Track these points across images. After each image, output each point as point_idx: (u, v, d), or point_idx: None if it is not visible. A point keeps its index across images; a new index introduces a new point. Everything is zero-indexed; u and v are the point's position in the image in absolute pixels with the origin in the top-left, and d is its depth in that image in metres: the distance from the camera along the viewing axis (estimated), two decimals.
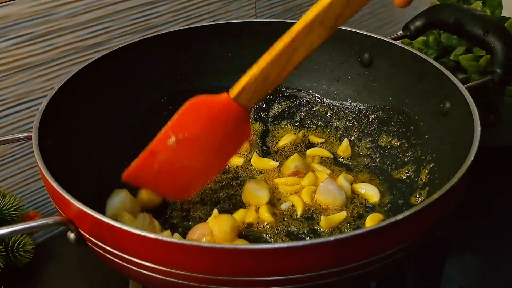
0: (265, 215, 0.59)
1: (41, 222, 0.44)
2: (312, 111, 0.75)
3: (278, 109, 0.76)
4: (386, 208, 0.62)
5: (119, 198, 0.58)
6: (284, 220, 0.60)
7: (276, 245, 0.39)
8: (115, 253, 0.44)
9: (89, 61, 0.63)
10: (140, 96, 0.69)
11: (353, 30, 0.70)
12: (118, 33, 0.74)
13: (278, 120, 0.76)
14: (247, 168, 0.68)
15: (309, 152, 0.71)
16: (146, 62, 0.69)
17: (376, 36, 0.69)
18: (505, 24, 0.77)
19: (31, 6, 0.65)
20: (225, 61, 0.72)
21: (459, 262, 0.65)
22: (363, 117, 0.72)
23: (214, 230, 0.54)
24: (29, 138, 0.53)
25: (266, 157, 0.70)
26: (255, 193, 0.61)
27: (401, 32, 0.72)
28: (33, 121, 0.54)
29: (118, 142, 0.65)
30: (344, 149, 0.70)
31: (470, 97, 0.56)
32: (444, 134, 0.60)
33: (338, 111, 0.74)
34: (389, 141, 0.69)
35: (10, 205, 0.62)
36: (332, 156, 0.70)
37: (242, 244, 0.55)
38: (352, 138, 0.72)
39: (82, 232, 0.45)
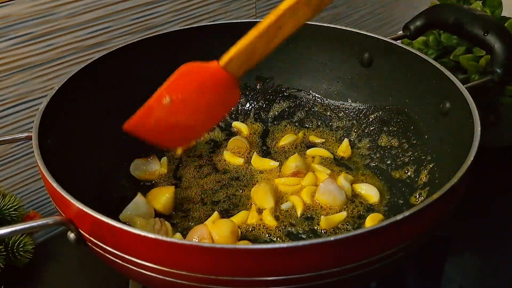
0: (268, 219, 0.59)
1: (41, 222, 0.45)
2: (312, 111, 0.76)
3: (278, 109, 0.77)
4: (386, 208, 0.62)
5: (134, 203, 0.59)
6: (284, 220, 0.60)
7: (276, 245, 0.39)
8: (115, 253, 0.44)
9: (89, 61, 0.63)
10: (140, 96, 0.69)
11: (353, 30, 0.70)
12: (118, 33, 0.74)
13: (278, 120, 0.76)
14: (247, 168, 0.68)
15: (309, 152, 0.71)
16: (146, 62, 0.69)
17: (376, 36, 0.69)
18: (505, 24, 0.77)
19: (31, 6, 0.65)
20: None
21: (459, 262, 0.65)
22: (363, 117, 0.72)
23: (214, 235, 0.54)
24: (29, 138, 0.53)
25: (266, 157, 0.70)
26: (265, 196, 0.61)
27: (401, 32, 0.72)
28: (33, 121, 0.54)
29: (118, 142, 0.65)
30: (344, 149, 0.70)
31: (470, 97, 0.56)
32: (444, 134, 0.60)
33: (338, 111, 0.74)
34: (389, 141, 0.69)
35: (10, 205, 0.62)
36: (332, 156, 0.70)
37: (242, 244, 0.55)
38: (352, 138, 0.72)
39: (82, 232, 0.45)
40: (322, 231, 0.59)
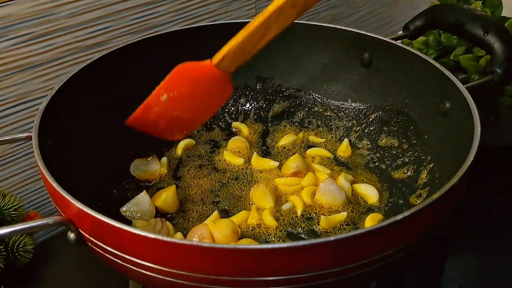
0: (268, 219, 0.59)
1: (41, 222, 0.45)
2: (312, 111, 0.76)
3: (278, 109, 0.77)
4: (386, 208, 0.62)
5: (136, 199, 0.60)
6: (284, 220, 0.60)
7: (276, 245, 0.39)
8: (115, 253, 0.44)
9: (89, 61, 0.63)
10: (140, 96, 0.69)
11: (353, 30, 0.70)
12: (118, 33, 0.74)
13: (278, 120, 0.76)
14: (247, 168, 0.68)
15: (309, 152, 0.71)
16: (146, 62, 0.69)
17: (376, 36, 0.69)
18: (505, 24, 0.77)
19: (31, 6, 0.65)
20: None
21: (459, 262, 0.65)
22: (363, 117, 0.72)
23: (216, 234, 0.54)
24: (29, 138, 0.53)
25: (266, 157, 0.70)
26: (265, 196, 0.61)
27: (401, 32, 0.72)
28: (33, 121, 0.54)
29: (118, 142, 0.65)
30: (344, 149, 0.70)
31: (470, 97, 0.56)
32: (444, 134, 0.60)
33: (338, 111, 0.74)
34: (389, 141, 0.69)
35: (10, 205, 0.62)
36: (332, 156, 0.70)
37: (242, 244, 0.55)
38: (352, 138, 0.72)
39: (82, 232, 0.45)
40: (322, 231, 0.59)
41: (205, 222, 0.58)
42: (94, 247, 0.46)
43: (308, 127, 0.75)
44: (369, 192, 0.63)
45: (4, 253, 0.60)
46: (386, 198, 0.63)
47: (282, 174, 0.67)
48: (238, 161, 0.69)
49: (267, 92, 0.77)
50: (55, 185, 0.46)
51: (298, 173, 0.65)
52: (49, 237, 0.71)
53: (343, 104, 0.74)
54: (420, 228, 0.44)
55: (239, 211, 0.61)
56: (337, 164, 0.69)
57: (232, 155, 0.70)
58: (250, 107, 0.77)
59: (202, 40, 0.72)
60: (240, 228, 0.58)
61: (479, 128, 0.51)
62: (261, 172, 0.67)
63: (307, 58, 0.74)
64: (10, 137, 0.56)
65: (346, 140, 0.71)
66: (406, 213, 0.42)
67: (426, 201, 0.43)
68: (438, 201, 0.43)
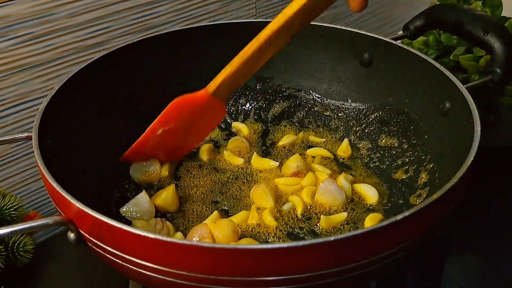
0: (268, 219, 0.59)
1: (41, 222, 0.44)
2: (312, 111, 0.76)
3: (278, 109, 0.77)
4: (386, 208, 0.62)
5: (136, 199, 0.60)
6: (284, 220, 0.60)
7: (276, 245, 0.39)
8: (115, 253, 0.44)
9: (89, 61, 0.63)
10: (140, 96, 0.69)
11: (353, 30, 0.70)
12: (118, 33, 0.74)
13: (278, 120, 0.76)
14: (247, 168, 0.68)
15: (309, 152, 0.71)
16: (146, 62, 0.69)
17: (376, 36, 0.69)
18: (505, 24, 0.77)
19: (31, 6, 0.65)
20: (225, 61, 0.72)
21: (459, 262, 0.65)
22: (363, 117, 0.72)
23: (217, 234, 0.54)
24: (29, 138, 0.53)
25: (266, 157, 0.70)
26: (265, 196, 0.61)
27: (401, 32, 0.72)
28: (33, 121, 0.54)
29: (118, 142, 0.65)
30: (344, 149, 0.70)
31: (470, 97, 0.56)
32: (444, 134, 0.60)
33: (338, 111, 0.74)
34: (389, 141, 0.69)
35: (10, 205, 0.62)
36: (332, 156, 0.70)
37: (242, 244, 0.55)
38: (352, 138, 0.72)
39: (82, 232, 0.45)
40: (322, 231, 0.59)
41: (205, 222, 0.58)
42: (94, 247, 0.46)
43: (308, 127, 0.75)
44: (369, 192, 0.63)
45: (4, 253, 0.60)
46: (386, 198, 0.63)
47: (282, 174, 0.67)
48: (238, 161, 0.69)
49: (267, 92, 0.77)
50: (55, 185, 0.46)
51: (298, 173, 0.65)
52: (49, 237, 0.71)
53: (343, 104, 0.74)
54: (420, 228, 0.44)
55: (239, 211, 0.61)
56: (337, 164, 0.69)
57: (232, 155, 0.70)
58: (250, 107, 0.77)
59: (202, 40, 0.72)
60: (240, 228, 0.58)
61: (479, 128, 0.51)
62: (261, 172, 0.67)
63: (307, 58, 0.74)
64: (10, 137, 0.56)
65: (346, 140, 0.71)
66: (406, 213, 0.42)
67: (426, 201, 0.43)
68: (438, 201, 0.43)
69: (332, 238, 0.39)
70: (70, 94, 0.59)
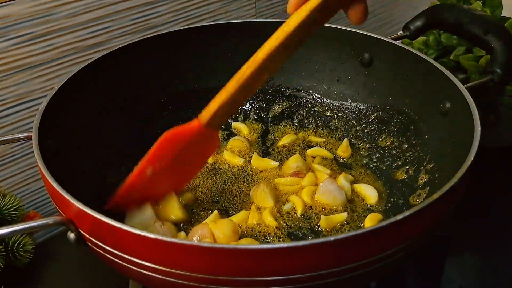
0: (268, 219, 0.59)
1: (41, 222, 0.44)
2: (312, 111, 0.76)
3: (278, 109, 0.77)
4: (386, 208, 0.62)
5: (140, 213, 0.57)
6: (284, 220, 0.60)
7: (276, 245, 0.39)
8: (115, 253, 0.44)
9: (89, 61, 0.63)
10: (140, 96, 0.69)
11: (353, 30, 0.70)
12: (118, 33, 0.74)
13: (278, 120, 0.76)
14: (247, 168, 0.68)
15: (309, 152, 0.71)
16: (146, 62, 0.69)
17: (376, 36, 0.69)
18: (505, 24, 0.77)
19: (31, 6, 0.65)
20: (225, 61, 0.72)
21: (459, 262, 0.65)
22: (363, 117, 0.72)
23: (217, 234, 0.54)
24: (29, 138, 0.53)
25: (266, 157, 0.70)
26: (265, 196, 0.61)
27: (401, 32, 0.72)
28: (33, 121, 0.54)
29: (118, 142, 0.65)
30: (344, 149, 0.70)
31: (470, 97, 0.56)
32: (444, 134, 0.60)
33: (338, 111, 0.74)
34: (389, 141, 0.69)
35: (10, 205, 0.62)
36: (332, 156, 0.70)
37: (243, 244, 0.55)
38: (352, 138, 0.72)
39: (82, 232, 0.45)
40: (322, 231, 0.59)
41: (205, 221, 0.58)
42: (94, 247, 0.46)
43: (308, 127, 0.75)
44: (369, 192, 0.63)
45: (4, 253, 0.60)
46: (386, 198, 0.63)
47: (282, 174, 0.67)
48: (238, 161, 0.69)
49: (267, 92, 0.77)
50: (55, 185, 0.46)
51: (298, 173, 0.65)
52: (49, 237, 0.71)
53: (343, 104, 0.74)
54: (420, 228, 0.44)
55: (239, 211, 0.61)
56: (337, 164, 0.69)
57: (232, 155, 0.70)
58: (250, 107, 0.77)
59: (202, 40, 0.72)
60: (240, 228, 0.58)
61: (479, 128, 0.51)
62: (261, 172, 0.67)
63: (307, 58, 0.74)
64: (10, 137, 0.56)
65: (346, 140, 0.71)
66: (406, 213, 0.42)
67: (426, 201, 0.43)
68: (438, 201, 0.43)
69: (332, 238, 0.39)
70: (70, 94, 0.59)
